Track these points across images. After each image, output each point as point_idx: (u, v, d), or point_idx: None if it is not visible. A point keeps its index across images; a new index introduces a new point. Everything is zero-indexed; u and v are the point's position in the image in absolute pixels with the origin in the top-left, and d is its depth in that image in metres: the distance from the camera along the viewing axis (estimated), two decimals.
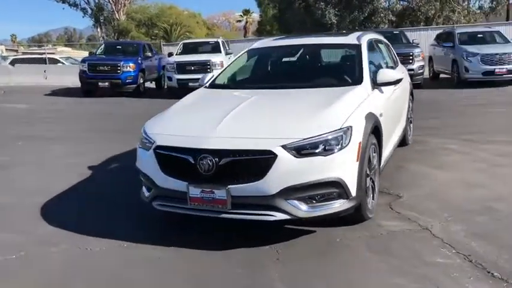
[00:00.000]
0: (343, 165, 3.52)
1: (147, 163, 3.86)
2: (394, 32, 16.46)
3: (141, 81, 15.47)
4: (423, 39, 20.90)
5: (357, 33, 5.47)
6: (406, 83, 6.27)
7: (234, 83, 5.20)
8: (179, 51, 15.89)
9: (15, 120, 11.06)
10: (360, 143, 3.65)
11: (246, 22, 59.26)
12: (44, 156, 7.13)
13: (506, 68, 13.29)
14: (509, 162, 5.62)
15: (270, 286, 3.07)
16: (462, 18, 28.96)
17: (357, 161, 3.62)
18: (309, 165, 3.42)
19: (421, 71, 14.13)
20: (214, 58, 14.52)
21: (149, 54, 16.54)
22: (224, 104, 4.27)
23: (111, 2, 46.07)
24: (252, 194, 3.43)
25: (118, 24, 49.86)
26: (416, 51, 14.11)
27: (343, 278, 3.15)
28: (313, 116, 3.71)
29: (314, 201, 3.49)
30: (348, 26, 28.34)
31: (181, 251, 3.65)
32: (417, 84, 12.61)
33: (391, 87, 4.88)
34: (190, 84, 14.06)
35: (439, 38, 16.66)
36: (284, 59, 5.32)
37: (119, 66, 14.76)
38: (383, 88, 4.70)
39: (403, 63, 7.32)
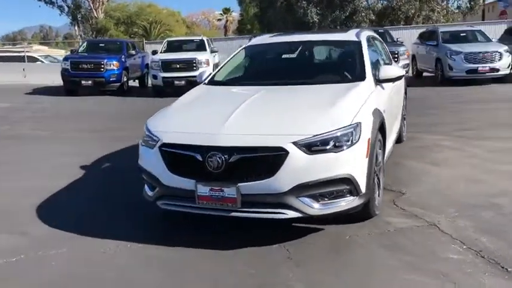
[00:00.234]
0: (353, 162, 3.48)
1: (152, 161, 3.75)
2: (379, 31, 16.46)
3: (125, 79, 15.22)
4: (404, 38, 21.11)
5: (355, 30, 5.45)
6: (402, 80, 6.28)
7: (234, 79, 5.12)
8: (163, 49, 15.69)
9: None
10: (369, 139, 3.62)
11: (227, 21, 59.11)
12: (32, 156, 6.94)
13: (489, 66, 13.51)
14: (504, 159, 5.67)
15: (288, 286, 3.01)
16: (441, 17, 29.40)
17: (367, 157, 3.59)
18: (320, 162, 3.37)
19: (406, 69, 14.26)
20: (200, 56, 14.38)
21: (133, 52, 16.30)
22: (229, 100, 4.19)
23: None
24: (262, 191, 3.37)
25: (96, 23, 49.14)
26: (402, 49, 14.24)
27: (359, 276, 3.11)
28: (322, 113, 3.67)
29: (326, 199, 3.45)
30: (330, 25, 28.50)
31: (188, 250, 3.56)
32: None
33: (391, 84, 4.88)
34: (176, 82, 13.99)
35: (422, 37, 16.85)
36: (284, 56, 5.26)
37: (103, 64, 14.49)
38: (384, 85, 4.69)
39: None
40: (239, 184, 3.36)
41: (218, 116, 3.74)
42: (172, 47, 15.90)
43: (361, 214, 3.83)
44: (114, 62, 14.63)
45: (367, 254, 3.42)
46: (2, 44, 59.13)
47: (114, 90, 14.89)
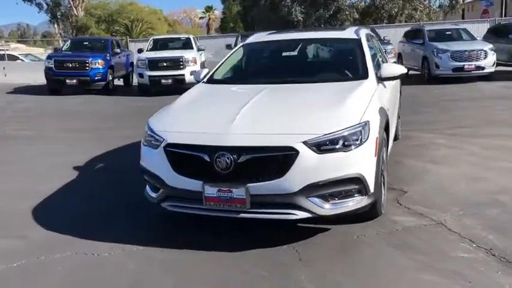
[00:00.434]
0: (362, 161, 3.45)
1: (155, 162, 3.66)
2: None
3: (110, 78, 14.98)
4: (388, 36, 21.25)
5: (353, 28, 5.43)
6: None
7: (235, 78, 5.05)
8: (149, 47, 15.49)
9: None
10: (377, 138, 3.58)
11: (209, 19, 58.83)
12: (22, 157, 6.76)
13: (475, 64, 13.65)
14: (502, 156, 5.71)
15: None
16: (424, 16, 29.71)
17: (375, 156, 3.56)
18: (330, 162, 3.32)
19: None
20: (187, 54, 14.23)
21: (118, 50, 16.05)
22: (233, 99, 4.12)
23: None
24: (272, 192, 3.31)
25: (76, 21, 48.49)
26: (389, 48, 14.32)
27: (373, 276, 3.07)
28: (330, 111, 3.62)
29: (336, 199, 3.40)
30: (314, 24, 28.57)
31: (195, 253, 3.48)
32: None
33: (390, 81, 4.86)
34: (163, 81, 13.83)
35: (408, 35, 16.97)
36: (284, 54, 5.19)
37: (87, 63, 14.23)
38: (385, 83, 4.67)
39: None
40: (248, 185, 3.29)
41: (224, 115, 3.66)
42: (158, 45, 15.71)
43: (368, 213, 3.79)
44: (99, 61, 14.38)
45: (377, 254, 3.39)
46: None
47: (99, 89, 14.65)
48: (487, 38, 16.03)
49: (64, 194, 4.99)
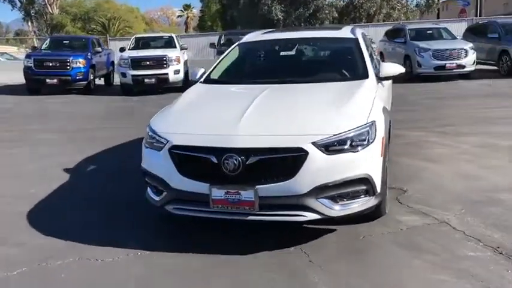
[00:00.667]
0: (370, 162, 3.44)
1: (159, 164, 3.58)
2: None
3: (92, 77, 14.72)
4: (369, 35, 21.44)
5: (349, 27, 5.44)
6: None
7: (234, 78, 4.98)
8: (131, 46, 15.26)
9: None
10: (383, 138, 3.58)
11: (187, 17, 58.39)
12: (9, 161, 6.56)
13: (456, 63, 13.88)
14: (493, 154, 5.79)
15: None
16: (402, 15, 30.12)
17: (381, 156, 3.55)
18: (338, 163, 3.30)
19: None
20: (171, 53, 14.05)
21: (99, 49, 15.76)
22: (236, 100, 4.06)
23: None
24: (281, 194, 3.26)
25: (51, 19, 47.60)
26: (373, 46, 14.38)
27: (386, 277, 3.06)
28: (336, 112, 3.60)
29: (345, 200, 3.38)
30: (294, 22, 28.68)
31: (202, 257, 3.41)
32: None
33: (387, 81, 4.87)
34: (146, 80, 13.63)
35: (389, 34, 17.15)
36: (282, 53, 5.16)
37: (68, 62, 13.93)
38: (383, 82, 4.68)
39: None
40: (257, 187, 3.25)
41: (229, 116, 3.61)
42: (140, 44, 15.49)
43: (373, 213, 3.78)
44: (81, 60, 14.11)
45: (386, 254, 3.38)
46: None
47: (80, 89, 14.38)
48: (465, 37, 16.35)
49: (58, 197, 4.86)
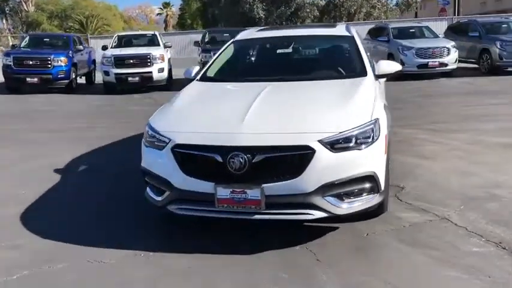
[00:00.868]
0: (375, 159, 3.44)
1: (161, 164, 3.51)
2: None
3: (74, 76, 14.45)
4: None
5: (343, 25, 5.45)
6: None
7: (230, 75, 4.91)
8: (114, 44, 15.04)
9: None
10: (386, 135, 3.59)
11: (167, 15, 57.89)
12: None
13: (438, 61, 14.07)
14: (484, 150, 5.88)
15: None
16: (382, 14, 30.42)
17: (385, 153, 3.56)
18: (345, 160, 3.29)
19: None
20: (155, 51, 13.89)
21: (80, 47, 15.47)
22: (237, 97, 4.02)
23: None
24: (288, 192, 3.24)
25: (27, 16, 46.67)
26: None
27: (395, 274, 3.05)
28: (340, 109, 3.59)
29: (350, 197, 3.37)
30: (276, 21, 28.67)
31: (207, 257, 3.36)
32: None
33: (382, 78, 4.88)
34: (130, 79, 13.45)
35: (371, 33, 17.29)
36: (279, 51, 5.11)
37: (49, 60, 13.65)
38: (379, 80, 4.69)
39: None
40: (264, 185, 3.21)
41: (233, 114, 3.56)
42: (123, 42, 15.29)
43: (375, 211, 3.78)
44: (62, 58, 13.83)
45: (392, 251, 3.38)
46: None
47: (61, 87, 14.10)
48: (447, 35, 16.59)
49: (50, 198, 4.75)
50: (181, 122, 3.68)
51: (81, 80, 16.70)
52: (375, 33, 16.76)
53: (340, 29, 5.19)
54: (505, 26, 15.73)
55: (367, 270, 3.12)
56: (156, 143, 3.59)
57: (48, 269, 3.25)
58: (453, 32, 16.77)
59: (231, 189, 3.26)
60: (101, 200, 4.63)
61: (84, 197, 4.75)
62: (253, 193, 3.24)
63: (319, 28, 6.18)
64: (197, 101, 4.19)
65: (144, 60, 13.56)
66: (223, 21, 31.25)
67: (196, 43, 15.25)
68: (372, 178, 3.40)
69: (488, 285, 2.88)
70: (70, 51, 14.44)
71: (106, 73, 13.68)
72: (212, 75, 4.87)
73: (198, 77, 4.81)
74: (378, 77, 4.55)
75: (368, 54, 5.58)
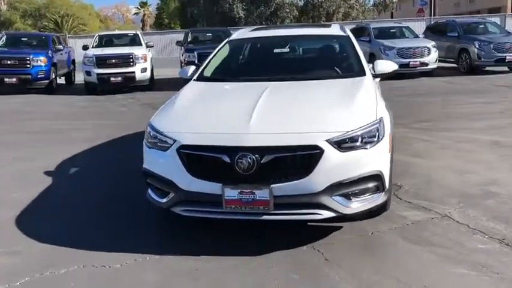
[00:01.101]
0: (381, 158, 3.45)
1: (165, 165, 3.46)
2: None
3: (54, 76, 14.16)
4: None
5: (337, 25, 5.47)
6: None
7: (229, 75, 4.86)
8: (95, 43, 14.80)
9: None
10: (390, 134, 3.60)
11: (144, 15, 57.29)
12: None
13: (419, 61, 14.29)
14: (476, 148, 5.98)
15: None
16: (360, 14, 30.74)
17: (389, 152, 3.57)
18: (352, 160, 3.29)
19: None
20: (137, 51, 13.70)
21: (60, 47, 15.16)
22: (240, 97, 3.98)
23: None
24: (296, 192, 3.22)
25: None
26: None
27: (404, 272, 3.06)
28: (345, 109, 3.59)
29: (358, 197, 3.38)
30: (256, 21, 28.68)
31: (214, 259, 3.32)
32: None
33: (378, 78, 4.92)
34: (112, 79, 13.26)
35: (353, 33, 17.33)
36: (276, 50, 5.09)
37: (28, 60, 13.34)
38: (376, 79, 4.73)
39: None
40: (272, 185, 3.19)
41: (238, 113, 3.53)
42: (104, 41, 15.06)
43: (379, 209, 3.79)
44: (42, 58, 13.54)
45: (400, 250, 3.40)
46: None
47: (41, 88, 13.81)
48: (426, 35, 16.83)
49: (44, 201, 4.63)
50: (185, 123, 3.63)
51: (61, 81, 16.40)
52: (356, 33, 16.79)
53: (335, 29, 5.21)
54: (482, 26, 16.10)
55: (376, 268, 3.12)
56: (159, 143, 3.53)
57: (50, 275, 3.16)
58: (432, 32, 17.05)
59: (239, 190, 3.23)
60: (99, 201, 4.55)
61: (79, 199, 4.65)
62: (261, 194, 3.21)
63: (315, 28, 6.19)
64: (199, 102, 4.14)
65: (127, 60, 13.38)
66: (203, 21, 31.11)
67: (178, 43, 15.11)
68: (378, 177, 3.41)
69: (497, 281, 2.92)
70: (50, 51, 14.15)
71: (88, 73, 13.43)
72: (209, 75, 4.82)
73: (194, 77, 4.75)
74: (375, 76, 4.58)
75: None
